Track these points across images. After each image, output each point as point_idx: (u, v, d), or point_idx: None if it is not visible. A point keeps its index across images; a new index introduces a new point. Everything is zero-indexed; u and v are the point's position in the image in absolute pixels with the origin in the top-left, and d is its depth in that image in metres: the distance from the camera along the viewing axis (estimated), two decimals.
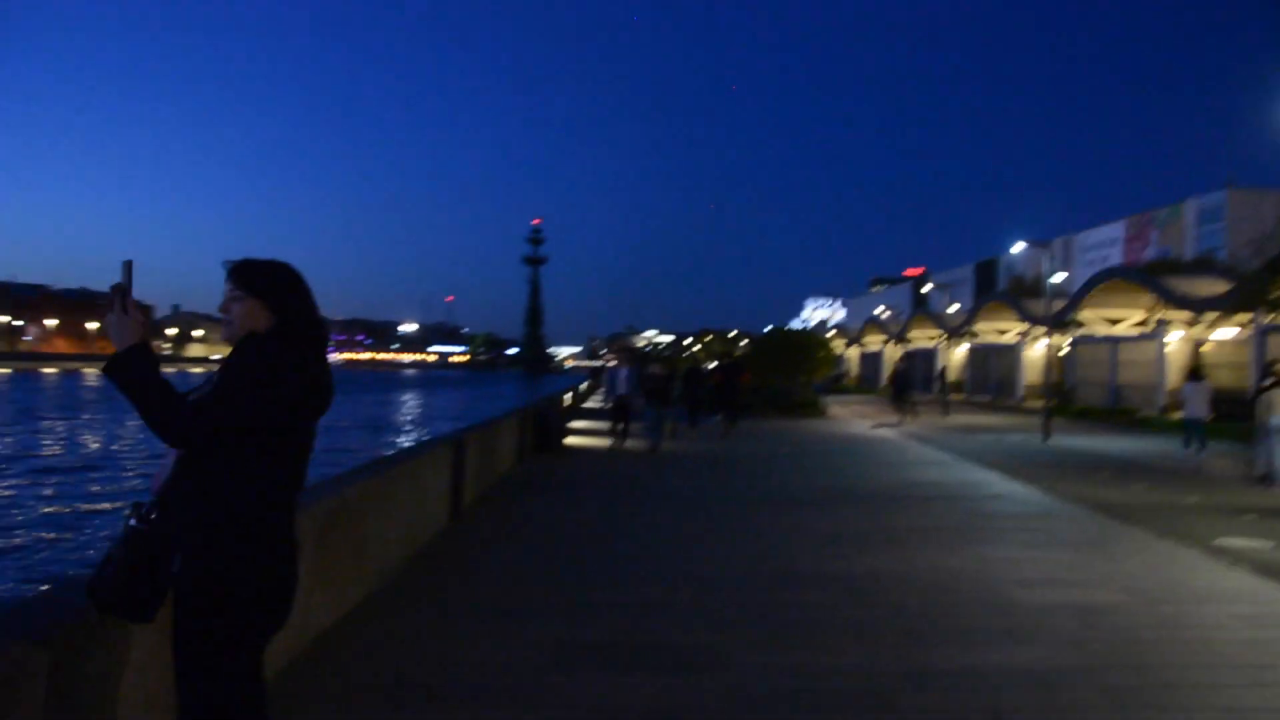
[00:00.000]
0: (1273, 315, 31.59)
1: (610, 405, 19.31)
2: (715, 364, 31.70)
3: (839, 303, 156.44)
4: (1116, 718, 4.80)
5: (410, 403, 74.50)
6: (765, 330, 49.72)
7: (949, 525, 10.61)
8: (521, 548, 9.11)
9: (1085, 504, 12.12)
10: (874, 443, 22.10)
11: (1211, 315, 34.69)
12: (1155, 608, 6.98)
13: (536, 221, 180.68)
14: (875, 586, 7.52)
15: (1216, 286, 36.21)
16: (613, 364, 19.88)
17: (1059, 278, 35.79)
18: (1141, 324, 42.05)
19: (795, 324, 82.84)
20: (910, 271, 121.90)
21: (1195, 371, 19.63)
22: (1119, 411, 34.46)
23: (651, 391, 18.72)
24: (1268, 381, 15.07)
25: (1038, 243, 28.86)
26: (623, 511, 11.44)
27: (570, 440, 19.97)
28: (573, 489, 13.53)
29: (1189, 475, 15.87)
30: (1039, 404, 45.19)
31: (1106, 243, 58.06)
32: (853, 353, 71.39)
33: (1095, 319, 41.56)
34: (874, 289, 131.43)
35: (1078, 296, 41.55)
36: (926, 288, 79.15)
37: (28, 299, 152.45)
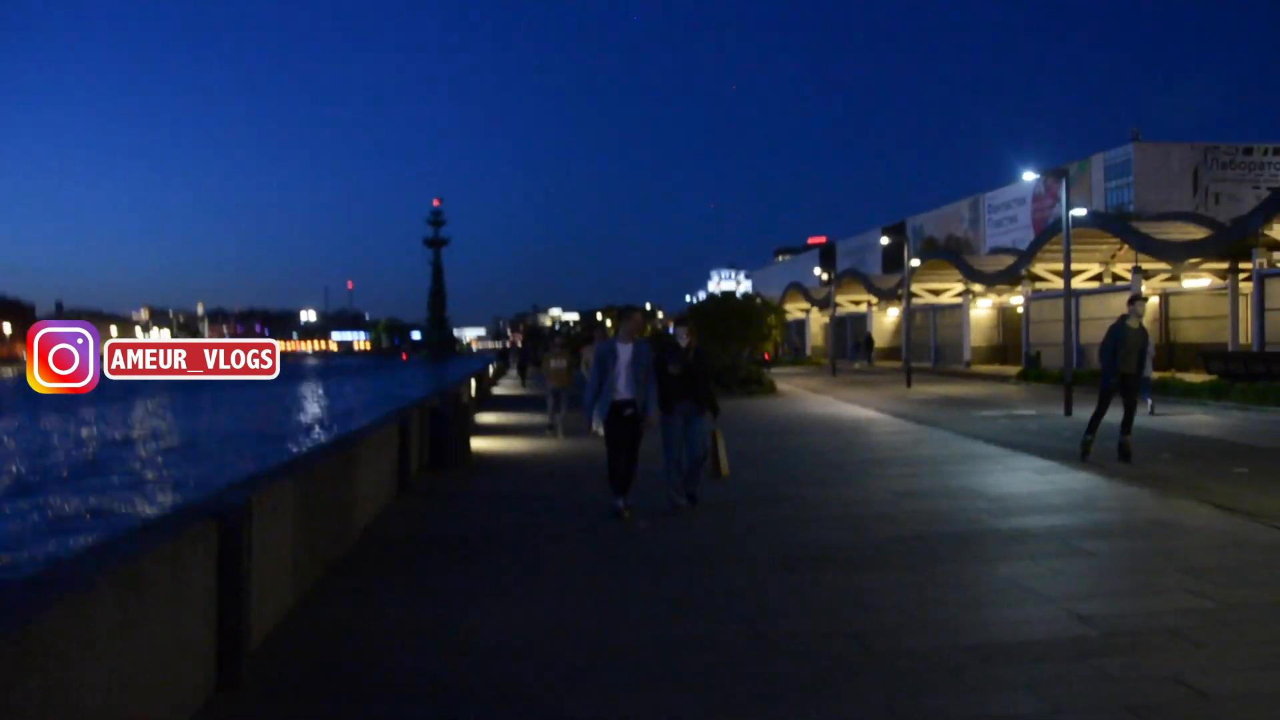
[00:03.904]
0: (1266, 259, 28.00)
1: (600, 425, 8.96)
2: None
3: (743, 274, 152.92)
4: None
5: (298, 399, 67.32)
6: (690, 299, 44.90)
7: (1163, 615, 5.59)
8: None
9: None
10: (866, 428, 17.27)
11: (1192, 261, 30.79)
12: None
13: (437, 203, 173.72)
14: None
15: (1191, 233, 32.63)
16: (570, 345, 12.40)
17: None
18: (1096, 277, 38.42)
19: (700, 296, 78.17)
20: (815, 240, 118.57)
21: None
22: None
23: (678, 388, 8.97)
24: None
25: (1050, 170, 24.13)
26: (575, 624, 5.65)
27: (483, 443, 14.51)
28: (492, 564, 7.22)
29: None
30: (986, 368, 41.82)
31: (1015, 201, 57.70)
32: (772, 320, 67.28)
33: (1049, 273, 37.73)
34: (779, 259, 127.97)
35: (1033, 248, 37.71)
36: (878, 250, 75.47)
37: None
